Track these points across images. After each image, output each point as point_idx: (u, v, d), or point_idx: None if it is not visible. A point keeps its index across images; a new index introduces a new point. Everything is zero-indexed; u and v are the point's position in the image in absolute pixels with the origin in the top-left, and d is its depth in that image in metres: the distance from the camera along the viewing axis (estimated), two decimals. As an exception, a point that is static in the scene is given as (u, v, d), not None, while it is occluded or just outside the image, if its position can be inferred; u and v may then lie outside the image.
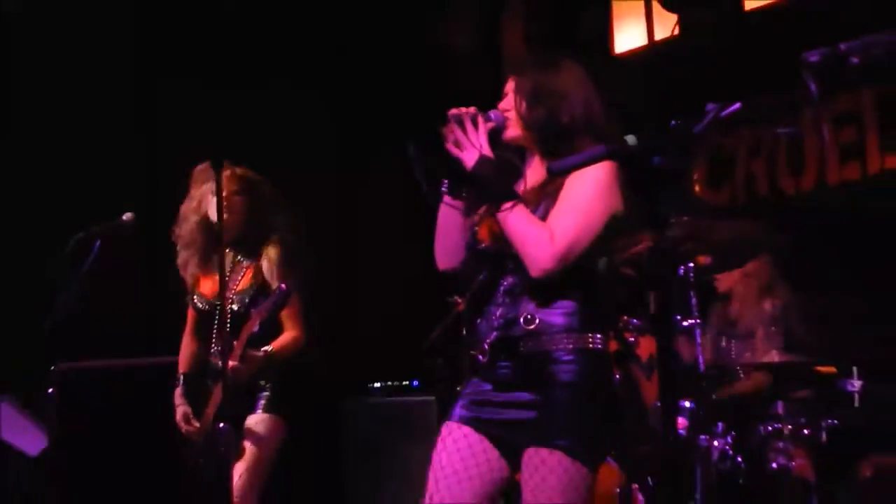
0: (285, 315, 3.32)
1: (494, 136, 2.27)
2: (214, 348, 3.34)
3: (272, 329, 3.29)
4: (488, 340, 2.25)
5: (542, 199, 2.23)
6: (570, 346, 2.19)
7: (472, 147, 2.20)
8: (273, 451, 3.38)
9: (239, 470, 3.26)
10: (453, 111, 2.23)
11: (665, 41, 5.17)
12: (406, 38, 5.17)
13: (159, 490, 3.94)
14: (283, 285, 3.12)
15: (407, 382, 4.27)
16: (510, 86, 2.33)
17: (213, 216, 3.18)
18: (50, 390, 3.54)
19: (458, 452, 2.24)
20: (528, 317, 2.21)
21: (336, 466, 4.00)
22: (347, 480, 3.92)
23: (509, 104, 2.31)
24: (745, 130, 4.57)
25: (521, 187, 2.29)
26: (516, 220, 2.17)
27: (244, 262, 3.39)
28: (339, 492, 3.93)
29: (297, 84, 5.34)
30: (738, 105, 1.66)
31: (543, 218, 2.20)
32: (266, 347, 3.25)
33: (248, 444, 3.32)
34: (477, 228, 2.32)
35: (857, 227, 4.16)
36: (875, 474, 3.55)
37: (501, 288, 2.27)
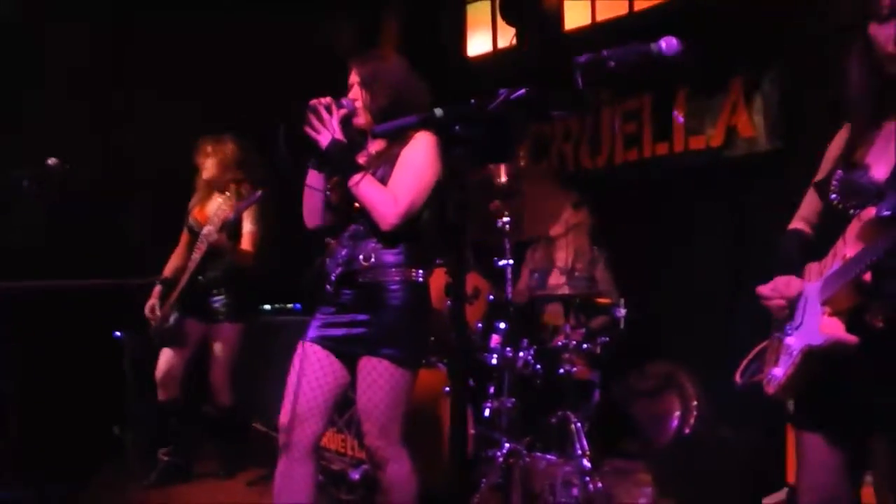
0: (246, 237, 3.62)
1: (347, 121, 2.25)
2: (195, 255, 3.54)
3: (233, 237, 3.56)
4: (335, 274, 2.23)
5: (380, 165, 2.24)
6: (398, 278, 2.21)
7: (326, 131, 2.18)
8: (234, 351, 3.72)
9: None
10: (312, 101, 2.20)
11: (506, 49, 5.17)
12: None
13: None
14: (258, 192, 3.40)
15: (291, 305, 4.20)
16: (354, 78, 2.29)
17: (205, 174, 3.71)
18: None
19: (311, 367, 2.24)
20: (367, 255, 2.21)
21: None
22: (240, 385, 3.85)
23: (356, 95, 2.27)
24: (558, 121, 4.64)
25: (363, 159, 2.26)
26: (366, 188, 2.17)
27: (228, 200, 3.57)
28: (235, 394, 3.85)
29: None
30: (522, 91, 1.66)
31: (381, 179, 2.20)
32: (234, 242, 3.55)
33: (217, 347, 3.68)
34: (330, 193, 2.31)
35: (635, 195, 4.31)
36: (637, 375, 3.76)
37: (346, 234, 2.27)
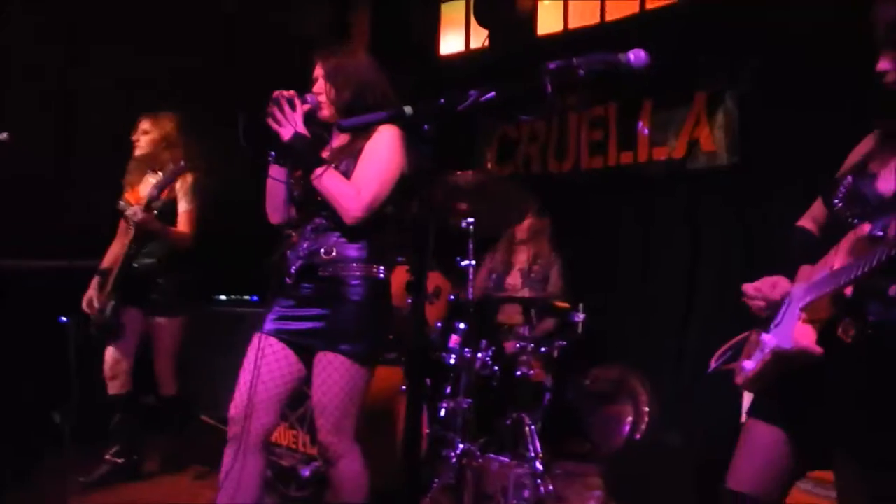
0: (182, 217, 3.45)
1: (311, 115, 2.22)
2: (126, 240, 3.39)
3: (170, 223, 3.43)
4: (295, 266, 2.20)
5: (344, 158, 2.21)
6: (359, 273, 2.18)
7: (288, 125, 2.14)
8: (175, 343, 3.58)
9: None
10: (275, 94, 2.16)
11: (478, 50, 5.17)
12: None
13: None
14: (182, 163, 3.28)
15: (248, 297, 4.14)
16: (318, 72, 2.26)
17: (138, 152, 3.52)
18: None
19: (265, 359, 2.20)
20: (328, 249, 2.18)
21: (182, 364, 3.82)
22: (189, 377, 3.77)
23: (321, 88, 2.24)
24: (524, 124, 4.66)
25: (326, 153, 2.24)
26: (329, 182, 2.14)
27: (160, 181, 3.40)
28: (182, 386, 3.77)
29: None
30: (492, 94, 1.66)
31: (345, 173, 2.18)
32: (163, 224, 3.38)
33: (158, 338, 3.53)
34: (293, 186, 2.26)
35: (599, 201, 4.36)
36: (592, 380, 3.79)
37: (309, 227, 2.23)
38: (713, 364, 1.79)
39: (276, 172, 2.26)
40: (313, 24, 4.87)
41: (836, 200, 1.61)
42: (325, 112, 2.26)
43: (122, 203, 3.48)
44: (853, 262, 1.48)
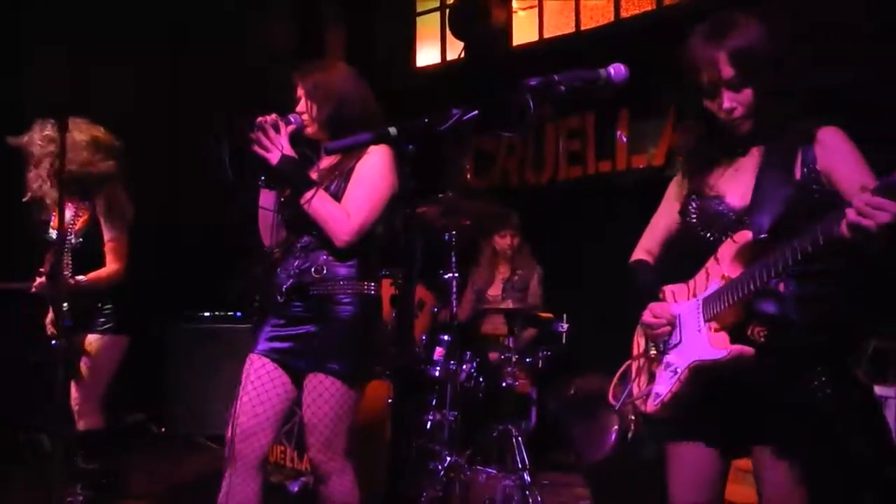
0: (109, 249, 3.05)
1: (297, 135, 2.22)
2: (42, 269, 2.95)
3: (97, 259, 3.04)
4: (286, 285, 2.20)
5: (333, 179, 2.22)
6: (350, 290, 2.18)
7: (275, 149, 2.14)
8: (110, 367, 3.13)
9: (81, 383, 3.04)
10: (258, 120, 2.15)
11: (454, 62, 5.20)
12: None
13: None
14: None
15: (231, 313, 4.11)
16: (300, 91, 2.26)
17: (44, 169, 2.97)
18: None
19: (259, 380, 2.20)
20: (319, 267, 2.18)
21: (161, 381, 3.77)
22: (171, 394, 3.72)
23: (303, 107, 2.24)
24: (503, 137, 4.68)
25: (314, 172, 2.24)
26: (319, 205, 2.14)
27: (83, 205, 3.06)
28: (161, 403, 3.71)
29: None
30: (475, 112, 1.67)
31: (335, 194, 2.18)
32: (79, 277, 2.97)
33: (84, 361, 3.08)
34: (283, 208, 2.27)
35: (578, 211, 4.39)
36: (576, 391, 3.80)
37: (299, 245, 2.24)
38: (613, 402, 1.81)
39: (266, 198, 2.26)
40: (284, 41, 4.86)
41: (691, 221, 1.74)
42: (310, 130, 2.25)
43: (51, 234, 3.10)
44: (755, 266, 1.54)
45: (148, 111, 4.67)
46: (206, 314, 4.14)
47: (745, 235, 1.60)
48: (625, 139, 4.23)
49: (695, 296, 1.70)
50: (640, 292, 1.81)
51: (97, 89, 4.23)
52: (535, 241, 4.16)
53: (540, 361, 3.41)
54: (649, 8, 4.29)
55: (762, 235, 1.57)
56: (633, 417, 3.52)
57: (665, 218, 1.88)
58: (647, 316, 1.76)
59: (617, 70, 1.71)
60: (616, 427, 3.47)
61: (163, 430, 3.67)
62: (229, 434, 2.16)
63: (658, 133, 4.10)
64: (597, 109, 4.30)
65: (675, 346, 1.69)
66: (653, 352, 1.77)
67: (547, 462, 3.54)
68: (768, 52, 1.62)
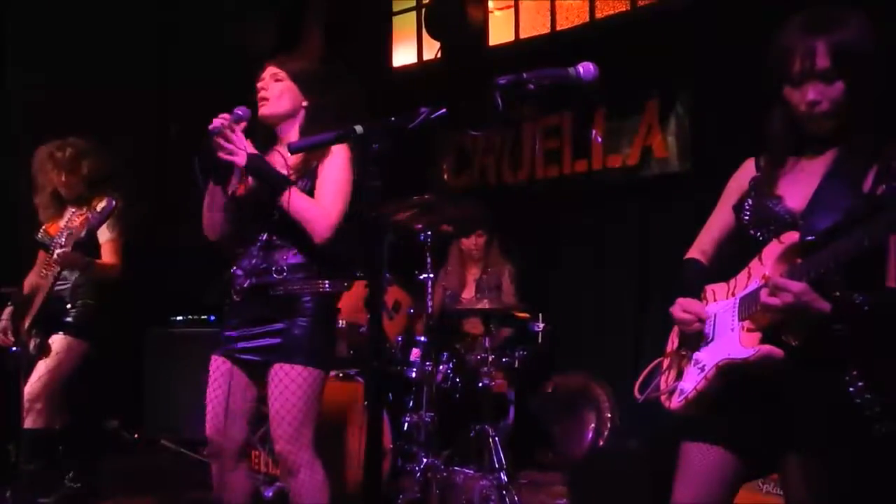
0: (106, 248, 3.25)
1: (251, 130, 2.22)
2: (43, 272, 3.14)
3: (94, 255, 3.22)
4: (245, 284, 2.20)
5: (300, 177, 2.22)
6: (308, 289, 2.20)
7: (239, 150, 2.15)
8: (67, 369, 3.19)
9: (33, 380, 3.12)
10: (211, 127, 2.14)
11: (431, 62, 5.18)
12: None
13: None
14: (112, 201, 2.91)
15: (205, 317, 4.06)
16: (269, 71, 2.26)
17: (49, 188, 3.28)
18: None
19: (218, 381, 2.24)
20: (279, 266, 2.19)
21: (139, 386, 3.72)
22: (147, 398, 3.67)
23: (266, 85, 2.25)
24: (479, 136, 4.67)
25: (276, 159, 2.22)
26: (299, 203, 2.16)
27: (80, 213, 3.10)
28: (139, 407, 3.67)
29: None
30: (443, 111, 1.66)
31: (305, 190, 2.20)
32: (90, 258, 3.17)
33: (42, 360, 3.15)
34: (235, 203, 2.28)
35: (554, 210, 4.39)
36: (555, 387, 3.81)
37: (258, 244, 2.23)
38: (638, 396, 1.79)
39: (213, 194, 2.27)
40: (262, 41, 4.81)
41: (745, 219, 1.69)
42: (267, 110, 2.25)
43: (41, 235, 3.27)
44: (794, 268, 1.52)
45: (132, 114, 4.61)
46: (181, 318, 4.09)
47: (792, 237, 1.56)
48: (599, 139, 4.24)
49: (734, 295, 1.66)
50: (681, 289, 1.76)
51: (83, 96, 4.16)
52: (513, 240, 4.15)
53: (517, 361, 3.40)
54: (623, 9, 4.30)
55: (809, 237, 1.53)
56: (610, 416, 3.54)
57: (721, 216, 1.82)
58: (676, 311, 1.72)
59: (586, 69, 1.71)
60: (593, 425, 3.48)
61: (136, 435, 3.62)
62: (208, 432, 2.25)
63: (633, 133, 4.11)
64: (574, 109, 4.31)
65: (707, 343, 1.66)
66: (683, 350, 1.73)
67: (526, 461, 3.53)
68: (869, 51, 1.56)
